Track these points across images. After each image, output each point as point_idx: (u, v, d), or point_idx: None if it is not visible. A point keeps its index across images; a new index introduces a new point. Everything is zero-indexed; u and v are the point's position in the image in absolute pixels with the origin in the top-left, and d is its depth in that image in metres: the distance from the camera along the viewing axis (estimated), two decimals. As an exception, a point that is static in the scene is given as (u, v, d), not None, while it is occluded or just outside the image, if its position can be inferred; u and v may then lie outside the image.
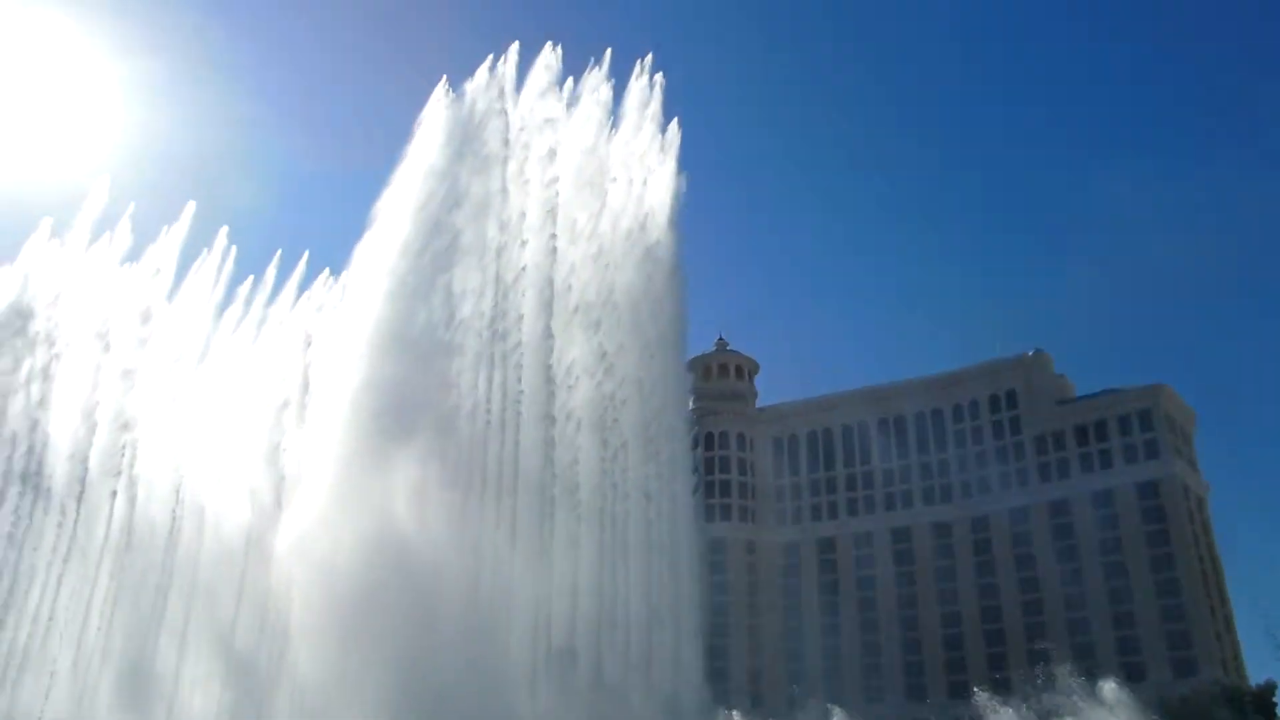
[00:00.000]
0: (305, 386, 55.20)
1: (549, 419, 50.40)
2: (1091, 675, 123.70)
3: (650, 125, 63.27)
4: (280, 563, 46.47)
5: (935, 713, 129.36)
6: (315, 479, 46.53)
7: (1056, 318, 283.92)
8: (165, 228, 65.03)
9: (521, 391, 49.23)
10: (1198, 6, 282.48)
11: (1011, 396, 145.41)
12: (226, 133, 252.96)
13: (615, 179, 59.83)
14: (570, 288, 53.71)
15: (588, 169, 58.42)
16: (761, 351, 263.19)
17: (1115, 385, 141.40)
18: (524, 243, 51.99)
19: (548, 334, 51.42)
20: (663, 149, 63.27)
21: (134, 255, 64.80)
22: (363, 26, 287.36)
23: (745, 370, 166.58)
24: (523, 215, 52.76)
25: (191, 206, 66.65)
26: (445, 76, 55.43)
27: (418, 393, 46.13)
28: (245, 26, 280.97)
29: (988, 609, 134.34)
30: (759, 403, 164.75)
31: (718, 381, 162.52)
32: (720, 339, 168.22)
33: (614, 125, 61.66)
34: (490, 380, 48.27)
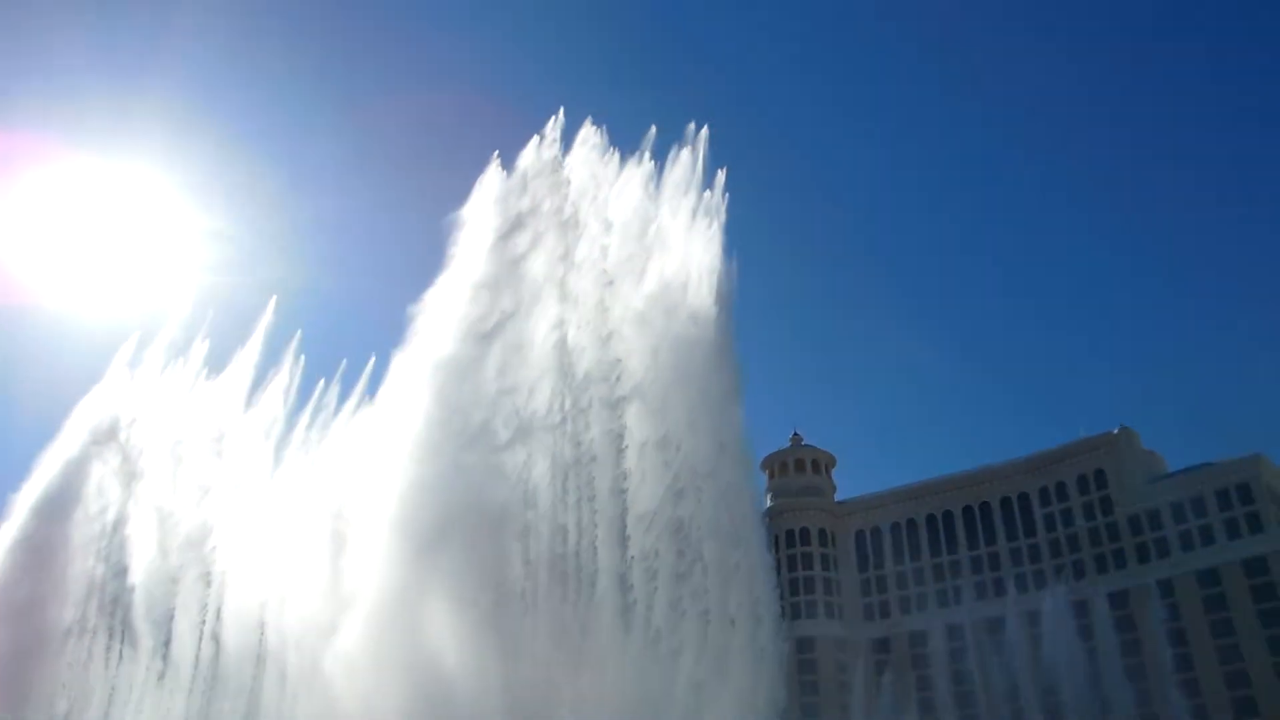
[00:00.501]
0: (356, 495, 54.89)
1: (622, 529, 47.82)
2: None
3: (693, 192, 63.67)
4: (331, 688, 44.53)
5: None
6: (362, 596, 45.90)
7: (1142, 392, 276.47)
8: (240, 347, 67.33)
9: (594, 497, 48.35)
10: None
11: (1100, 476, 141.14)
12: (296, 247, 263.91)
13: (657, 248, 60.00)
14: (620, 370, 53.13)
15: (631, 241, 58.81)
16: (838, 444, 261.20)
17: (1210, 459, 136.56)
18: (580, 327, 52.16)
19: (616, 430, 50.43)
20: (706, 212, 63.42)
21: (215, 364, 67.12)
22: (408, 138, 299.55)
23: (823, 464, 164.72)
24: (575, 295, 53.03)
25: (271, 305, 69.00)
26: (497, 153, 56.93)
27: (461, 492, 45.22)
28: (302, 165, 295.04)
29: (1094, 698, 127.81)
30: (838, 496, 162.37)
31: (795, 477, 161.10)
32: (795, 434, 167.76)
33: (658, 195, 62.36)
34: (563, 479, 47.33)
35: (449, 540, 43.87)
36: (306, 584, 56.18)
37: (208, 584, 60.07)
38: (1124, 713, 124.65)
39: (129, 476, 61.06)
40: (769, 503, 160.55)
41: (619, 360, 52.52)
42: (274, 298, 70.91)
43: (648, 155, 62.43)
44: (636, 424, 52.20)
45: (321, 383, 70.42)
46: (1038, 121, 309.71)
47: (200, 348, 67.96)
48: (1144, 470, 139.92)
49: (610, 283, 54.40)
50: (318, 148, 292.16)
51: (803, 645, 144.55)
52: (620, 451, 49.56)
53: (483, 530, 44.82)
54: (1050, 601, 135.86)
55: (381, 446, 51.30)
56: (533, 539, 46.02)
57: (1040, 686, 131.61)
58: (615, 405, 50.67)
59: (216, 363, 68.59)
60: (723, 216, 63.15)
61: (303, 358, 70.31)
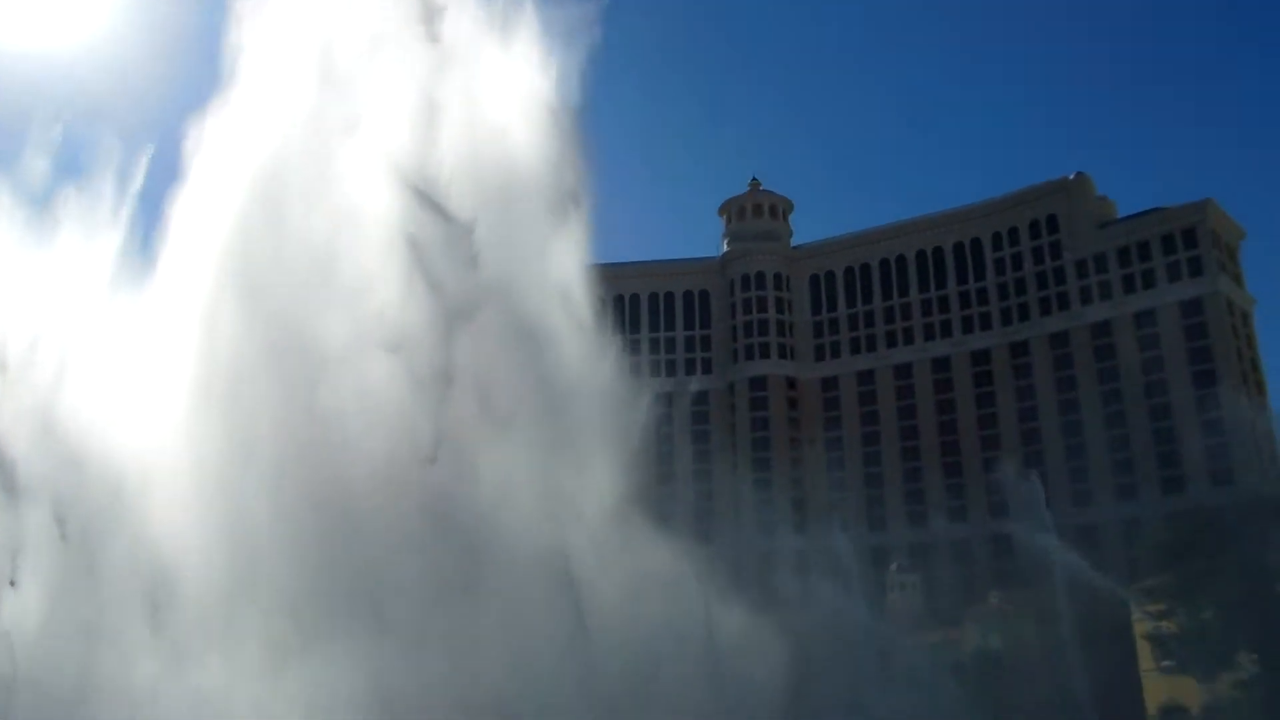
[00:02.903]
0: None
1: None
2: (1131, 489, 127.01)
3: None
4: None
5: (978, 533, 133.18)
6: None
7: (1098, 137, 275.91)
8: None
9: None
10: None
11: (1052, 221, 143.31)
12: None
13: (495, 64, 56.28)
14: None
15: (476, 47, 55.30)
16: (796, 190, 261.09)
17: (1160, 204, 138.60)
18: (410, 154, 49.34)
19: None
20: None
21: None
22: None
23: (779, 209, 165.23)
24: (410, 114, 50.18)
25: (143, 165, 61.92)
26: None
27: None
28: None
29: (1028, 432, 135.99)
30: (795, 241, 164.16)
31: (752, 222, 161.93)
32: (754, 179, 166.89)
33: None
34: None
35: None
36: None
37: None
38: (1053, 444, 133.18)
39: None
40: (725, 247, 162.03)
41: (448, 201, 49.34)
42: (148, 154, 62.67)
43: None
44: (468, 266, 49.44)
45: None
46: None
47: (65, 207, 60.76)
48: (1095, 216, 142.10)
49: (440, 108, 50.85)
50: None
51: (755, 384, 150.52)
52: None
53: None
54: (994, 343, 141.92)
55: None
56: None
57: (979, 423, 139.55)
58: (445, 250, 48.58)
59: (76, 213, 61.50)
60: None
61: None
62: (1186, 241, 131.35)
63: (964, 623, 78.61)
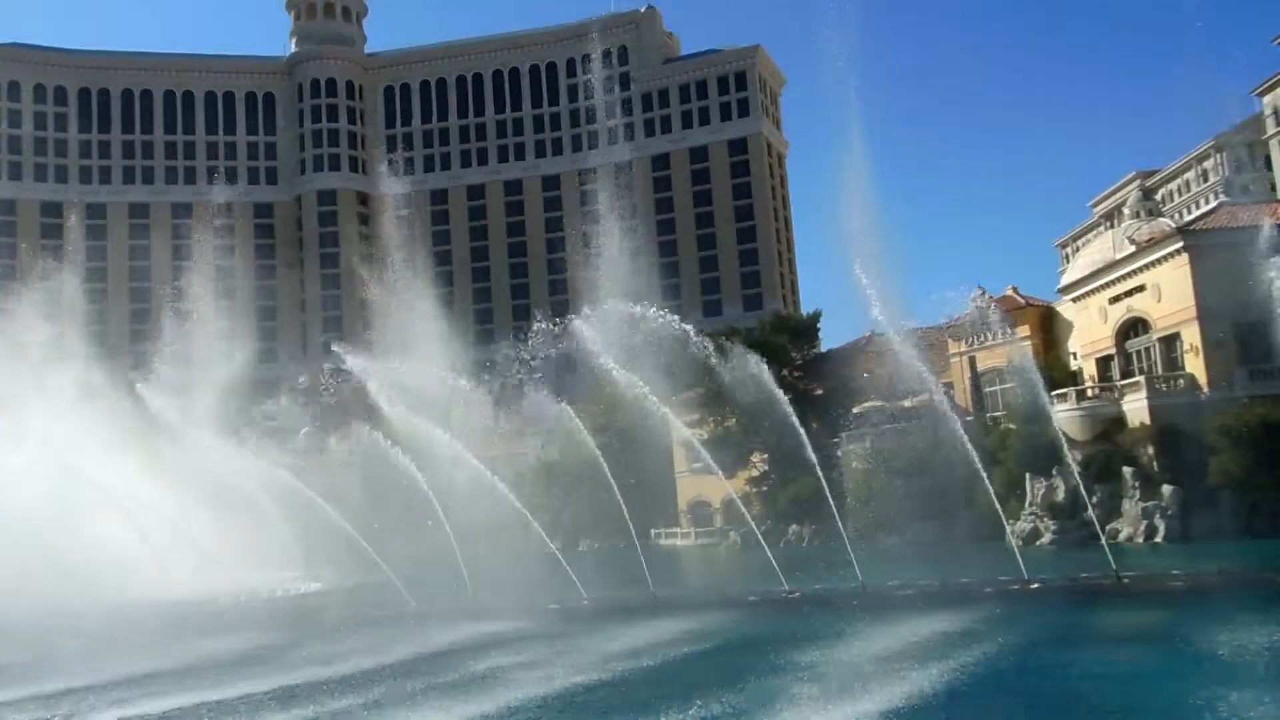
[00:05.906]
0: None
1: None
2: (678, 310, 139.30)
3: None
4: None
5: (545, 350, 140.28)
6: None
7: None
8: None
9: None
10: None
11: (624, 52, 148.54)
12: None
13: None
14: None
15: None
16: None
17: (718, 46, 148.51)
18: None
19: None
20: None
21: None
22: None
23: (352, 11, 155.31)
24: None
25: None
26: None
27: None
28: None
29: (590, 257, 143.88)
30: (369, 48, 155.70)
31: (324, 23, 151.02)
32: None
33: None
34: None
35: None
36: None
37: None
38: (612, 268, 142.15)
39: None
40: (294, 48, 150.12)
41: None
42: None
43: None
44: None
45: None
46: None
47: None
48: (661, 51, 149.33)
49: None
50: None
51: (324, 198, 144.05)
52: None
53: None
54: (565, 168, 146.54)
55: None
56: None
57: (549, 245, 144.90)
58: None
59: None
60: None
61: None
62: (738, 84, 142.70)
63: (525, 436, 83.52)
